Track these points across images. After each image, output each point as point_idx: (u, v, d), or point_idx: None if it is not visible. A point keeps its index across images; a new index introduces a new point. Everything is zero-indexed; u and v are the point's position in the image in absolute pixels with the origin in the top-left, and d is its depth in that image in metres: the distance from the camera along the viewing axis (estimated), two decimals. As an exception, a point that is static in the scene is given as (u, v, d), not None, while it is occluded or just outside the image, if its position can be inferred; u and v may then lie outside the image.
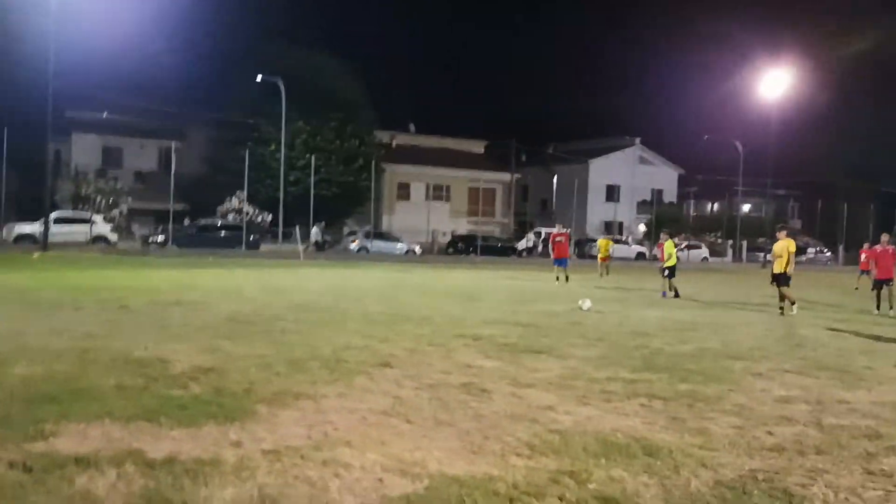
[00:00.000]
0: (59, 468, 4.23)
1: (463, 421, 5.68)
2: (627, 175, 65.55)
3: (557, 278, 22.66)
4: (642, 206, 64.85)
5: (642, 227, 60.89)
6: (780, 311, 14.85)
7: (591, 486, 4.32)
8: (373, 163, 46.74)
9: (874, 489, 4.49)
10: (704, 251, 54.41)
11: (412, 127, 64.78)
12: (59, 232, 33.16)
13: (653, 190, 65.63)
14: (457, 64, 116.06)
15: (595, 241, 52.60)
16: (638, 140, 67.48)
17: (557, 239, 24.28)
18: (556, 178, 63.94)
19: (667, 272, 19.07)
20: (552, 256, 24.47)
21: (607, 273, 26.92)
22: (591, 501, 4.10)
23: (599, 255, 27.98)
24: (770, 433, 5.65)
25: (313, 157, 43.53)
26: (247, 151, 41.70)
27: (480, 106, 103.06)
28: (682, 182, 69.71)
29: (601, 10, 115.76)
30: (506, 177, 61.55)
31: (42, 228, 31.98)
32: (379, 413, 5.81)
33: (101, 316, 10.47)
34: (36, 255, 27.47)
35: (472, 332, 10.34)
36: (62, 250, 30.35)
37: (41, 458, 4.37)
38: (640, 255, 51.01)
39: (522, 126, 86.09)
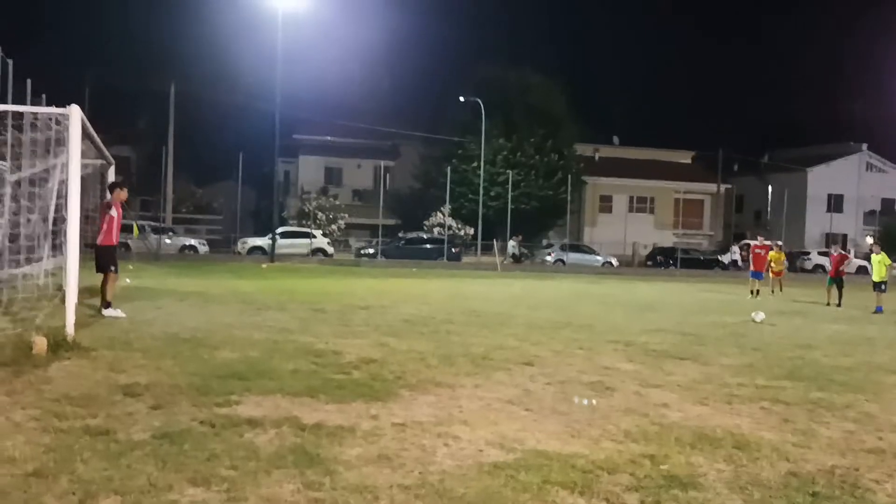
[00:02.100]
0: (234, 426, 5.42)
1: (577, 412, 6.30)
2: (852, 183, 60.90)
3: (752, 292, 22.04)
4: (870, 216, 59.85)
5: (869, 240, 56.15)
6: None
7: (663, 467, 4.82)
8: (569, 176, 47.24)
9: (950, 490, 4.59)
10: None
11: (616, 139, 64.61)
12: (284, 245, 36.90)
13: (882, 199, 60.46)
14: (663, 76, 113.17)
15: (808, 253, 49.56)
16: (865, 146, 62.48)
17: (757, 251, 23.64)
18: (770, 187, 60.80)
19: (881, 287, 18.23)
20: (751, 268, 23.82)
21: (780, 289, 23.56)
22: (657, 478, 4.61)
23: (772, 270, 24.16)
24: (880, 438, 5.76)
25: (511, 173, 44.94)
26: (449, 168, 43.99)
27: (689, 116, 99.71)
28: (921, 190, 63.43)
29: (813, 9, 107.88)
30: (713, 187, 59.45)
31: (270, 242, 35.86)
32: (504, 401, 6.57)
33: (298, 315, 12.10)
34: (264, 265, 30.98)
35: (626, 338, 10.78)
36: (286, 261, 33.89)
37: (223, 419, 5.59)
38: (862, 270, 47.17)
39: (735, 135, 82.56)
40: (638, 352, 9.59)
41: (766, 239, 25.34)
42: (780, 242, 25.36)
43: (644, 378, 7.82)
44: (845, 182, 61.03)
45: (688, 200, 59.22)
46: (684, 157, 64.40)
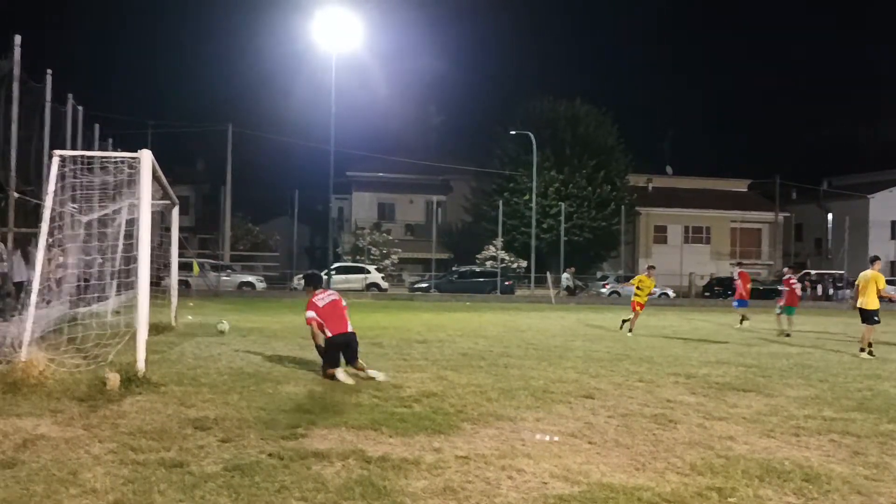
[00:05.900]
0: (301, 458, 5.54)
1: (640, 445, 6.27)
2: (917, 210, 59.08)
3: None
4: (938, 242, 57.97)
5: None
6: None
7: (730, 500, 4.77)
8: (622, 207, 46.98)
9: None
10: None
11: (669, 169, 64.17)
12: (339, 280, 37.35)
13: (950, 224, 58.56)
14: (715, 104, 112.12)
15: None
16: (929, 169, 60.68)
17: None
18: (830, 215, 59.52)
19: None
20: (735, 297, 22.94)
21: (623, 327, 17.88)
22: (726, 512, 4.58)
23: (635, 298, 18.08)
24: (957, 471, 5.59)
25: (563, 205, 44.87)
26: (500, 201, 44.18)
27: (743, 144, 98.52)
28: None
29: (867, 31, 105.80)
30: (771, 216, 58.41)
31: (326, 277, 36.33)
32: (566, 434, 6.57)
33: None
34: (320, 300, 31.37)
35: (687, 371, 10.64)
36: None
37: (291, 451, 5.71)
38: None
39: (792, 162, 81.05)
40: (699, 384, 9.46)
41: (741, 269, 23.92)
42: (652, 265, 20.45)
43: (707, 410, 7.72)
44: (909, 208, 59.31)
45: (745, 229, 58.27)
46: (740, 186, 63.59)
